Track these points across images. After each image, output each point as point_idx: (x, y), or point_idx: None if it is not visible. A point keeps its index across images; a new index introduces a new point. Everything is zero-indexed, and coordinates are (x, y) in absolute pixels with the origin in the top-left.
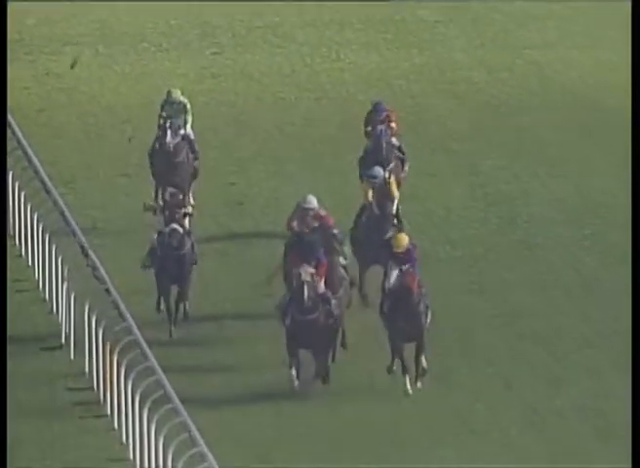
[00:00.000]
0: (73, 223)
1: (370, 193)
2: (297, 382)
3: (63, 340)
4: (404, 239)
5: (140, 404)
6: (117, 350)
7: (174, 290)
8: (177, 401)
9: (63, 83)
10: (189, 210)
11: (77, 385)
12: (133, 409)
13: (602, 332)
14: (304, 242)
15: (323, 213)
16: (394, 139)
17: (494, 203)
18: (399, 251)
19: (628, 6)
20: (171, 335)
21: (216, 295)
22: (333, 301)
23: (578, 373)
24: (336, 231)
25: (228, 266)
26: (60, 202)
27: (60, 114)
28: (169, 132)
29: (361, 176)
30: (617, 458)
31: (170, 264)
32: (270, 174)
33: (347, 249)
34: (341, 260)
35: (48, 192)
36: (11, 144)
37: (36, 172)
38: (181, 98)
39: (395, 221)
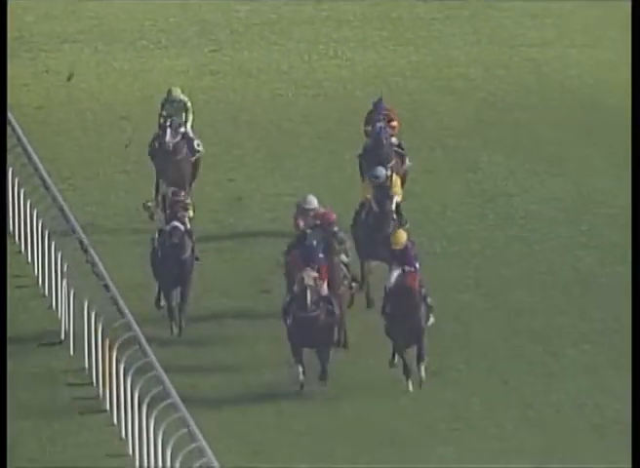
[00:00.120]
0: (72, 220)
1: (370, 191)
2: (303, 379)
3: (63, 336)
4: (402, 236)
5: (140, 399)
6: (116, 346)
7: (175, 291)
8: (176, 396)
9: (63, 80)
10: (190, 209)
11: (76, 381)
12: (132, 404)
13: (599, 329)
14: (307, 243)
15: (324, 210)
16: (394, 139)
17: (490, 199)
18: (397, 247)
19: (627, 5)
20: (172, 333)
21: (214, 293)
22: (334, 300)
23: (574, 369)
24: (337, 229)
25: (227, 262)
26: (60, 198)
27: (59, 111)
28: (169, 131)
29: (362, 175)
30: (613, 454)
31: (171, 267)
32: (268, 170)
33: (350, 245)
34: (343, 258)
35: (47, 189)
36: (10, 141)
37: (36, 168)
38: (182, 97)
39: (395, 217)
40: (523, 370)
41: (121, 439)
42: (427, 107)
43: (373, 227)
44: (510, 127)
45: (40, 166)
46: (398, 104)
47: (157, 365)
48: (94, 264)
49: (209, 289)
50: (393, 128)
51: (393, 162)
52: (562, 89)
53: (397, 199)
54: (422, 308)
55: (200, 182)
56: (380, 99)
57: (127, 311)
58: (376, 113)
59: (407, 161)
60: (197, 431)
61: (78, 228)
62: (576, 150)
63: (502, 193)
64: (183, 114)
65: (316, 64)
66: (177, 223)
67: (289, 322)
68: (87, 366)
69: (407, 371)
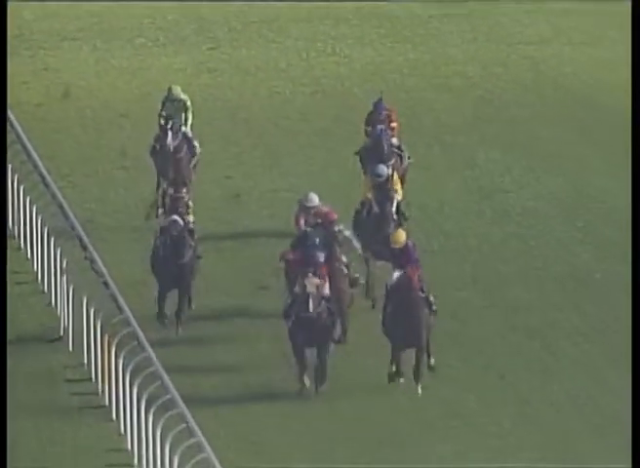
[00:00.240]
0: (72, 216)
1: (370, 190)
2: (308, 382)
3: (62, 332)
4: (401, 235)
5: (139, 395)
6: (115, 342)
7: (175, 292)
8: (174, 392)
9: (62, 78)
10: (190, 212)
11: (76, 376)
12: (131, 400)
13: (595, 325)
14: (308, 242)
15: (325, 209)
16: (394, 140)
17: (487, 196)
18: (397, 246)
19: (625, 4)
20: (162, 329)
21: (213, 291)
22: (333, 300)
23: (571, 366)
24: (337, 228)
25: (225, 260)
26: (59, 195)
27: (58, 109)
28: (170, 133)
29: (364, 168)
30: (610, 450)
31: (170, 267)
32: (266, 167)
33: (355, 243)
34: (343, 258)
35: (47, 186)
36: (10, 138)
37: (35, 165)
38: (182, 96)
39: (395, 217)
40: (520, 367)
41: (120, 434)
42: (425, 105)
43: (374, 227)
44: (507, 124)
45: (39, 163)
46: (396, 102)
47: (156, 360)
48: (93, 261)
49: (207, 287)
50: (393, 129)
51: (393, 160)
52: (558, 86)
53: (397, 198)
54: (425, 309)
55: (198, 180)
56: (381, 100)
57: (125, 307)
58: (376, 114)
59: (406, 159)
60: (196, 427)
61: (77, 225)
62: (572, 147)
63: (499, 190)
64: (183, 114)
65: (314, 62)
66: (176, 217)
67: (290, 323)
68: (86, 361)
69: (399, 374)
